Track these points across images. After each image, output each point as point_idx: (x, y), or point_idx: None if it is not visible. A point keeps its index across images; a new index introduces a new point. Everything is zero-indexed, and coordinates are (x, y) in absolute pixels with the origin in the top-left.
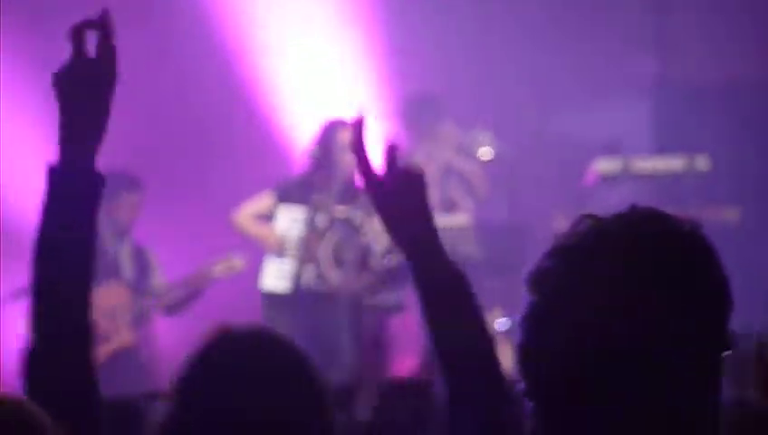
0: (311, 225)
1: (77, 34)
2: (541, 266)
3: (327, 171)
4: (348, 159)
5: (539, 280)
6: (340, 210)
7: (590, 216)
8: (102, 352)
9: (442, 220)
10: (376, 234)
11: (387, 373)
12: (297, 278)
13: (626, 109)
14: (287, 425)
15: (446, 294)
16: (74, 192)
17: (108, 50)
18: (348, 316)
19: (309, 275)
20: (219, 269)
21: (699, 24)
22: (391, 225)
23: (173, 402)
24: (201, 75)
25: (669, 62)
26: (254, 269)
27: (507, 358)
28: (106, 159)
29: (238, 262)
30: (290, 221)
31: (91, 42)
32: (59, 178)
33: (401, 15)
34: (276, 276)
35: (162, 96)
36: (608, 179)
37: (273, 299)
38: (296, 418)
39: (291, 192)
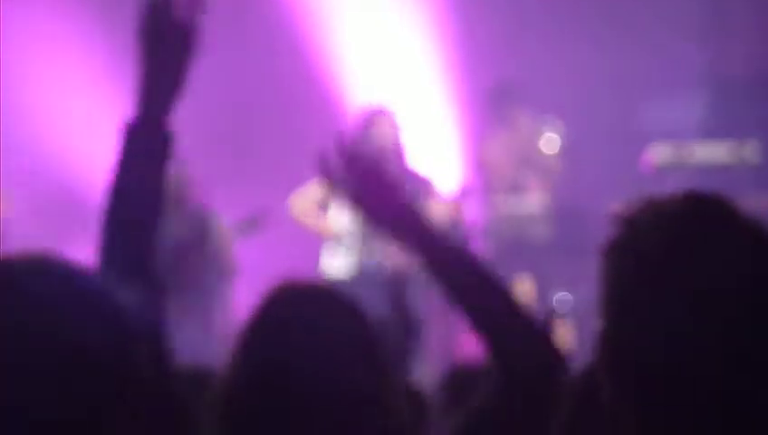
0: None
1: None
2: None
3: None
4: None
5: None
6: None
7: (652, 198)
8: None
9: (516, 205)
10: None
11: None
12: (362, 261)
13: (680, 98)
14: (338, 380)
15: (456, 271)
16: (152, 149)
17: (196, 7)
18: (419, 292)
19: (376, 256)
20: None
21: (750, 15)
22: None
23: (235, 354)
24: (274, 64)
25: (721, 52)
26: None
27: (566, 336)
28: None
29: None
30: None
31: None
32: (137, 134)
33: (472, 8)
34: (338, 263)
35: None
36: (662, 167)
37: (336, 284)
38: (349, 375)
39: None
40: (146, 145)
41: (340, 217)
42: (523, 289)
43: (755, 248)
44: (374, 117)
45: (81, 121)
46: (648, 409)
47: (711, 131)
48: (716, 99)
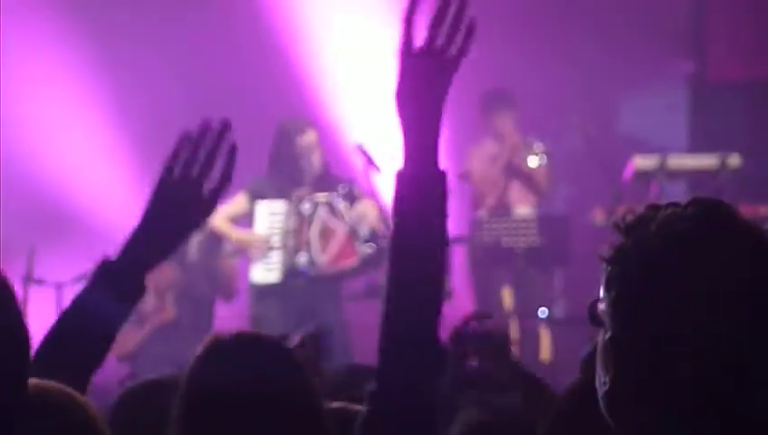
0: (297, 213)
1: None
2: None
3: (297, 166)
4: (315, 157)
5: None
6: (322, 196)
7: (654, 206)
8: (150, 324)
9: (499, 214)
10: (359, 219)
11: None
12: (288, 266)
13: (662, 107)
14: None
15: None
16: (121, 291)
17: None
18: (338, 300)
19: (300, 262)
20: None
21: (731, 26)
22: (404, 98)
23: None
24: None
25: (703, 62)
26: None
27: (546, 346)
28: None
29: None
30: (270, 215)
31: None
32: (112, 274)
33: None
34: (264, 269)
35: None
36: (643, 176)
37: (263, 290)
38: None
39: (265, 189)
40: (117, 287)
41: (266, 223)
42: (504, 299)
43: (756, 252)
44: (296, 130)
45: (55, 126)
46: (651, 412)
47: (693, 142)
48: (697, 108)
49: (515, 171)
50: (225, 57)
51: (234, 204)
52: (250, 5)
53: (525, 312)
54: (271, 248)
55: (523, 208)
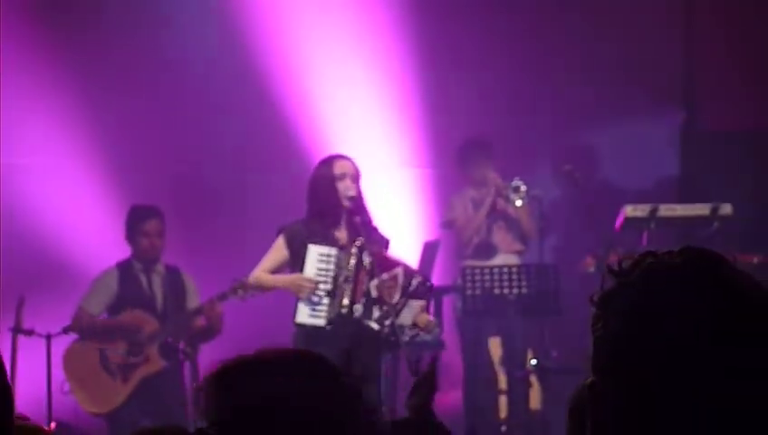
0: (353, 262)
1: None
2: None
3: (334, 205)
4: (345, 187)
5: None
6: (368, 247)
7: (650, 253)
8: (136, 377)
9: (485, 263)
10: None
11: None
12: (338, 313)
13: (652, 156)
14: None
15: None
16: None
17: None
18: (387, 349)
19: (355, 312)
20: (230, 292)
21: (721, 77)
22: None
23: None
24: (242, 111)
25: (696, 113)
26: (287, 303)
27: (536, 396)
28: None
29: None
30: (320, 259)
31: None
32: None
33: (436, 66)
34: (311, 313)
35: (202, 130)
36: (634, 224)
37: (309, 332)
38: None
39: (303, 232)
40: None
41: (314, 270)
42: (493, 349)
43: (742, 302)
44: (333, 160)
45: (46, 175)
46: None
47: (684, 191)
48: (688, 157)
49: (499, 214)
50: (217, 104)
51: (274, 251)
52: (255, 60)
53: (514, 361)
54: (320, 291)
55: (509, 257)
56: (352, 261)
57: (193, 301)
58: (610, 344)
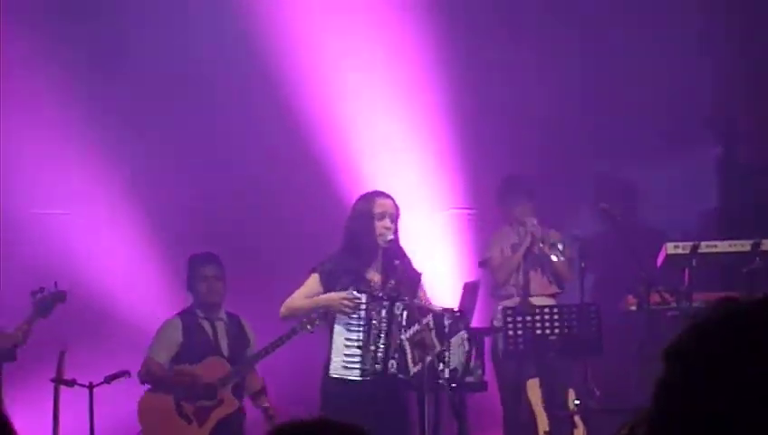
0: (390, 314)
1: None
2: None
3: (369, 244)
4: (383, 226)
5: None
6: (401, 292)
7: (728, 298)
8: (212, 419)
9: (523, 305)
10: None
11: None
12: (372, 367)
13: (691, 192)
14: None
15: None
16: None
17: None
18: (429, 401)
19: (390, 369)
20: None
21: (760, 108)
22: None
23: None
24: (279, 149)
25: (735, 147)
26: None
27: None
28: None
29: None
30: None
31: None
32: None
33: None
34: (343, 364)
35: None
36: (675, 261)
37: (342, 388)
38: None
39: (338, 269)
40: None
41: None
42: (533, 393)
43: None
44: (374, 197)
45: (85, 224)
46: None
47: (725, 227)
48: (730, 193)
49: (536, 260)
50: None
51: (307, 287)
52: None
53: (555, 402)
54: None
55: (544, 300)
56: (383, 312)
57: (253, 347)
58: (689, 390)
